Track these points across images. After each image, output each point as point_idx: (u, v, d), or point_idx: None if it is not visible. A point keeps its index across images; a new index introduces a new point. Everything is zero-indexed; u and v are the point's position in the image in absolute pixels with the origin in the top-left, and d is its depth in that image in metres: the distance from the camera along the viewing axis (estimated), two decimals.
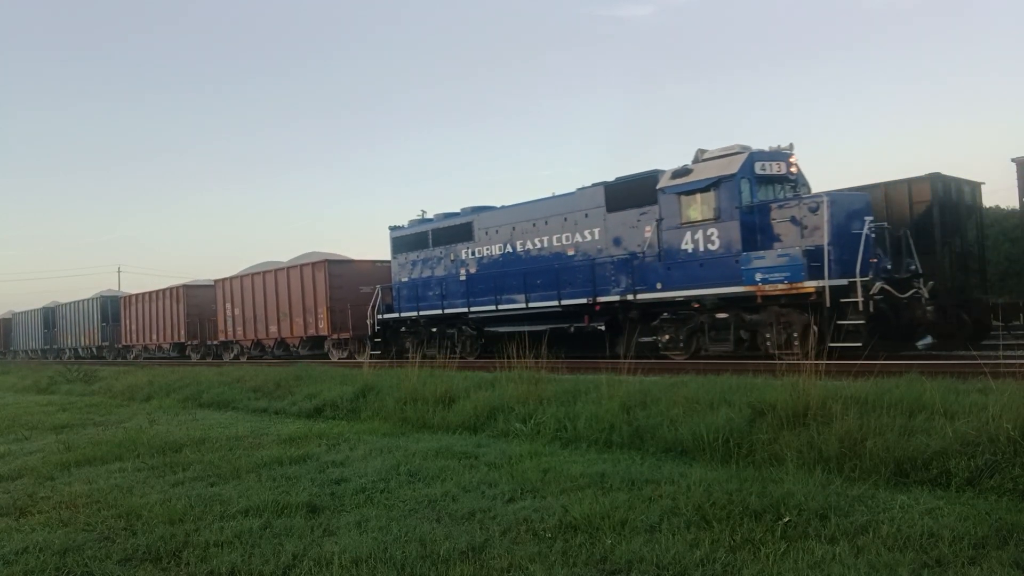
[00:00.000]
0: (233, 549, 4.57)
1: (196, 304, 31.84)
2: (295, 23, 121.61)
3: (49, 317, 46.56)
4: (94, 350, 40.46)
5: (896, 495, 4.99)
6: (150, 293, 35.34)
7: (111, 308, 39.55)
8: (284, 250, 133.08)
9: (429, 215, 21.55)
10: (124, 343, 37.59)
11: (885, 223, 14.10)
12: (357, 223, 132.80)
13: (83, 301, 42.58)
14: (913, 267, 13.91)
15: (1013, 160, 15.20)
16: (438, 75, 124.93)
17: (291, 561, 4.31)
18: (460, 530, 4.75)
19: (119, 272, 70.60)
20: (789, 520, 4.49)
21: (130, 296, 38.43)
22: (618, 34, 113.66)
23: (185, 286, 32.93)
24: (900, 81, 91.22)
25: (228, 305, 29.25)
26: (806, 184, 15.10)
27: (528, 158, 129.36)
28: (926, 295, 13.46)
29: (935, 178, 14.97)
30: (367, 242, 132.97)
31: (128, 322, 36.95)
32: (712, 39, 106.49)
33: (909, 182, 15.11)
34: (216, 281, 30.68)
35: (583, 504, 5.00)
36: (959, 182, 15.87)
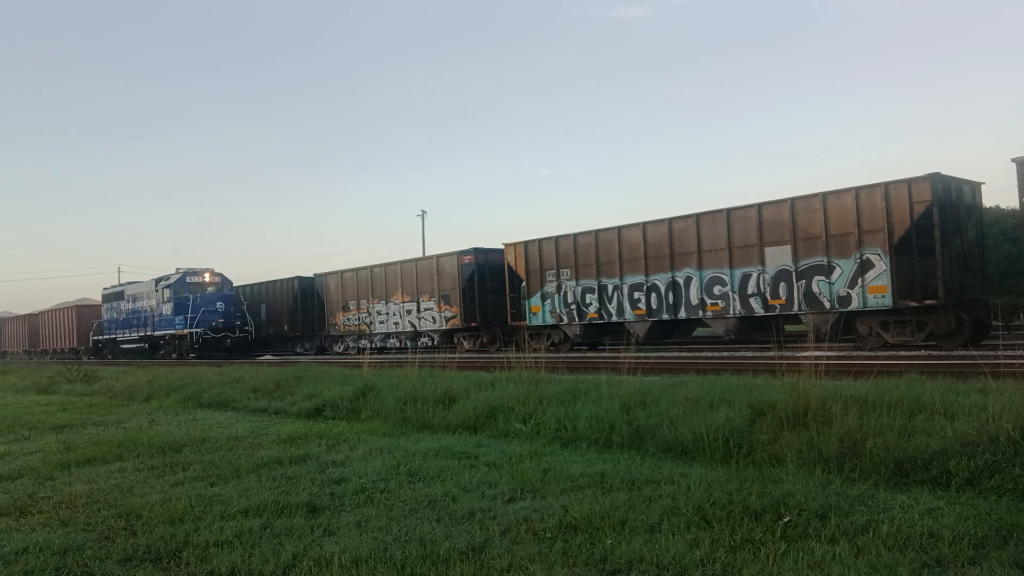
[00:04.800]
0: (233, 549, 4.56)
1: (32, 326, 51.02)
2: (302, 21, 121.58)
3: None
4: None
5: (896, 495, 4.99)
6: (15, 317, 56.24)
7: None
8: (282, 250, 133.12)
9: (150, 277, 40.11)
10: (3, 349, 55.93)
11: (236, 302, 33.31)
12: (353, 221, 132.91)
13: None
14: (238, 323, 32.62)
15: (1013, 160, 15.20)
16: (434, 77, 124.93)
17: (291, 561, 4.31)
18: (460, 530, 4.75)
19: (119, 272, 70.79)
20: (789, 520, 4.49)
21: (4, 318, 58.62)
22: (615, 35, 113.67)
23: (28, 315, 52.59)
24: (901, 81, 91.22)
25: (42, 327, 49.39)
26: (228, 282, 34.20)
27: (527, 158, 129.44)
28: (233, 335, 31.99)
29: (935, 178, 14.98)
30: (367, 241, 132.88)
31: (4, 335, 56.44)
32: (711, 38, 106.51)
33: (909, 182, 15.13)
34: (39, 312, 51.11)
35: (583, 504, 5.00)
36: (959, 182, 15.88)
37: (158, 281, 34.59)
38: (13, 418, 12.63)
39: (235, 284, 35.26)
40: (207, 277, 33.38)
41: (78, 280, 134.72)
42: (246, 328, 32.67)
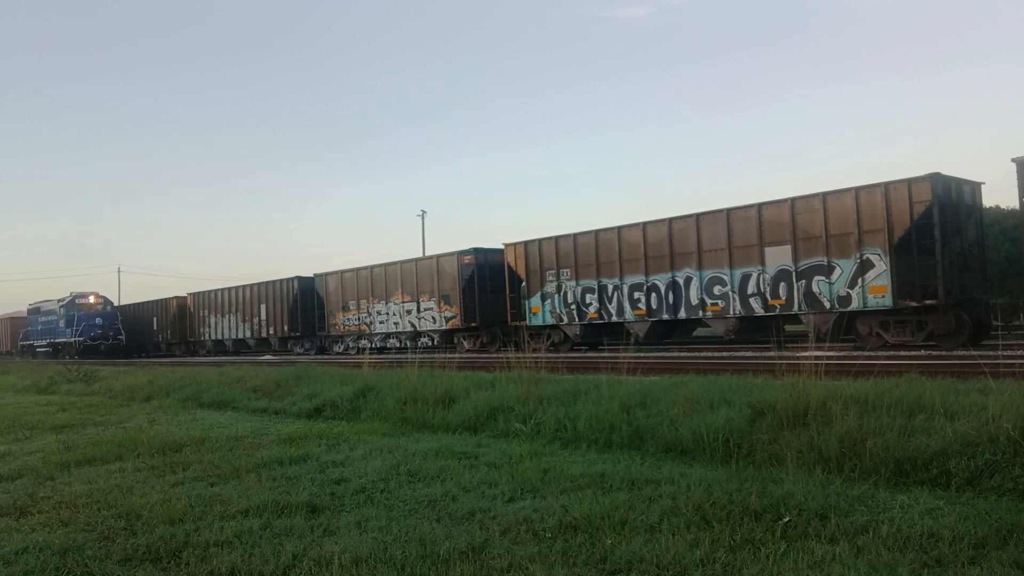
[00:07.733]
0: (233, 549, 4.56)
1: None
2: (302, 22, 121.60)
3: None
4: None
5: (896, 495, 4.98)
6: None
7: None
8: (282, 250, 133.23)
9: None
10: None
11: (113, 317, 44.74)
12: (353, 221, 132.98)
13: None
14: (111, 333, 43.65)
15: (1013, 160, 15.21)
16: (434, 77, 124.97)
17: (291, 561, 4.31)
18: (460, 530, 4.75)
19: (119, 272, 70.86)
20: (789, 520, 4.49)
21: None
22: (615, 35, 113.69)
23: None
24: (901, 81, 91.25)
25: None
26: (110, 302, 46.30)
27: (527, 158, 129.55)
28: (107, 342, 43.17)
29: (935, 178, 14.98)
30: (367, 241, 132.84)
31: None
32: (711, 38, 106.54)
33: (909, 182, 15.13)
34: None
35: (583, 504, 4.99)
36: (959, 182, 15.88)
37: (59, 301, 45.53)
38: (13, 418, 12.62)
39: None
40: (92, 299, 44.65)
41: (78, 280, 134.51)
42: (119, 337, 43.93)
